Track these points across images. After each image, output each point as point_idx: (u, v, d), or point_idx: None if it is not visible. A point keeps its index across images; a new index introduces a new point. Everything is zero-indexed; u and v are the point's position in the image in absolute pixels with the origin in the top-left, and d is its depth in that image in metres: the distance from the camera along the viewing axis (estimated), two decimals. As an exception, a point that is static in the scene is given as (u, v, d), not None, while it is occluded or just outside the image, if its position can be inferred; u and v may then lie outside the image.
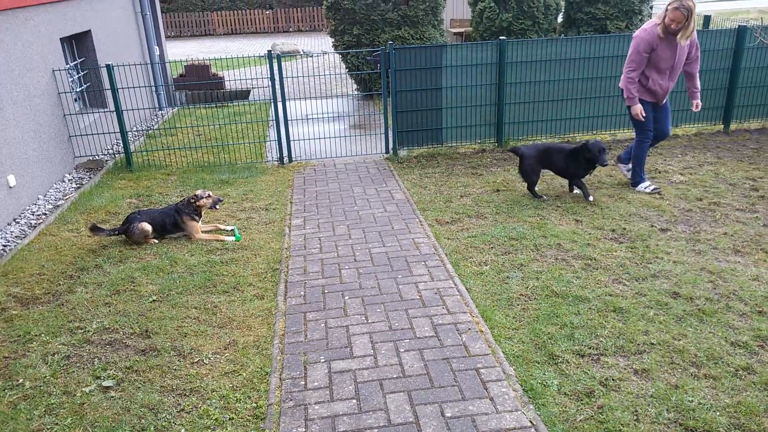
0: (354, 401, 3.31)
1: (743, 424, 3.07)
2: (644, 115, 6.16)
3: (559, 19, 12.57)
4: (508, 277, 4.64)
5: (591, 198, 6.14)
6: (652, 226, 5.52)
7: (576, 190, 6.43)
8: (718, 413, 3.14)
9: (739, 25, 8.29)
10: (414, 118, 7.87)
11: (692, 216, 5.75)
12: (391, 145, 8.02)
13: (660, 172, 7.02)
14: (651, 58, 6.01)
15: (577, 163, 6.13)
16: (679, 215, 5.77)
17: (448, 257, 4.97)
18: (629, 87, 6.11)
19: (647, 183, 6.51)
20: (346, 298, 4.38)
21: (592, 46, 7.97)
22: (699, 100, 6.40)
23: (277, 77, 7.52)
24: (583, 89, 8.15)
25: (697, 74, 6.36)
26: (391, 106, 7.77)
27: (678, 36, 5.88)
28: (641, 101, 6.18)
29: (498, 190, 6.53)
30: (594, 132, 8.44)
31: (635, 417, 3.14)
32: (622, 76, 6.25)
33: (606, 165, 5.99)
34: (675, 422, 3.10)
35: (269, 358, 3.76)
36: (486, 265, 4.83)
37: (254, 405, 3.36)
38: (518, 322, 4.03)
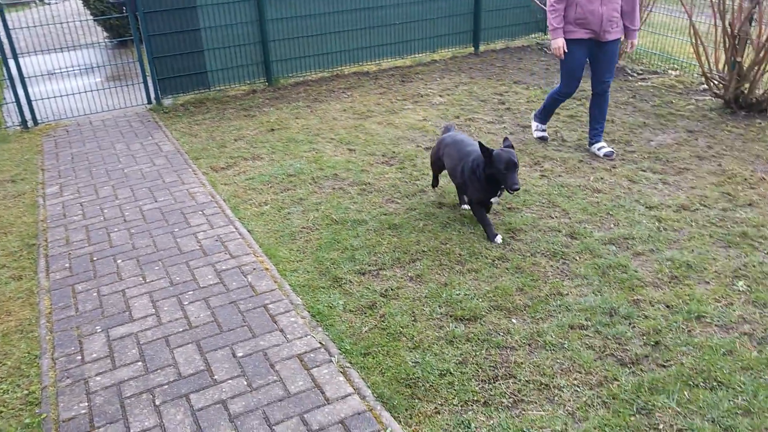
0: (139, 363, 3.14)
1: (500, 304, 3.50)
2: (566, 51, 5.20)
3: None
4: (289, 213, 4.67)
5: (498, 239, 4.15)
6: (418, 146, 5.90)
7: (465, 205, 4.61)
8: (480, 300, 3.54)
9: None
10: (174, 63, 7.37)
11: (451, 132, 6.25)
12: (153, 95, 7.47)
13: (422, 96, 7.48)
14: None
15: (475, 180, 4.11)
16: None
17: (226, 203, 4.84)
18: (549, 17, 5.15)
19: (537, 125, 6.00)
20: (119, 261, 4.07)
21: (346, -22, 8.06)
22: (635, 39, 5.41)
23: (2, 31, 6.50)
24: (346, 21, 8.26)
25: (637, 6, 5.27)
26: (146, 52, 7.19)
27: None
28: (575, 41, 5.18)
29: (272, 130, 6.46)
30: (360, 63, 8.67)
31: (413, 318, 3.41)
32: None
33: (517, 189, 3.92)
34: (446, 315, 3.43)
35: (36, 340, 3.40)
36: (266, 205, 4.80)
37: (26, 392, 3.03)
38: (302, 254, 4.10)
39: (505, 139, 4.15)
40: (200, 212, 4.69)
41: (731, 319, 3.33)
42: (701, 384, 2.87)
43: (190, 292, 3.70)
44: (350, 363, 3.09)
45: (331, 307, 3.53)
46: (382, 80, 8.19)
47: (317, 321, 3.42)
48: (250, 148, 5.97)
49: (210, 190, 5.08)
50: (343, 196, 4.89)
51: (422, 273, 3.83)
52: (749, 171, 5.16)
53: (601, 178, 5.07)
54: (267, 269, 3.91)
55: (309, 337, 3.28)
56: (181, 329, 3.38)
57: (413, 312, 3.47)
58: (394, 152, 5.76)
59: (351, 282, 3.76)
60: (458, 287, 3.67)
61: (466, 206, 4.56)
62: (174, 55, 7.32)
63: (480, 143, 4.00)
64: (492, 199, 4.20)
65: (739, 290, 3.57)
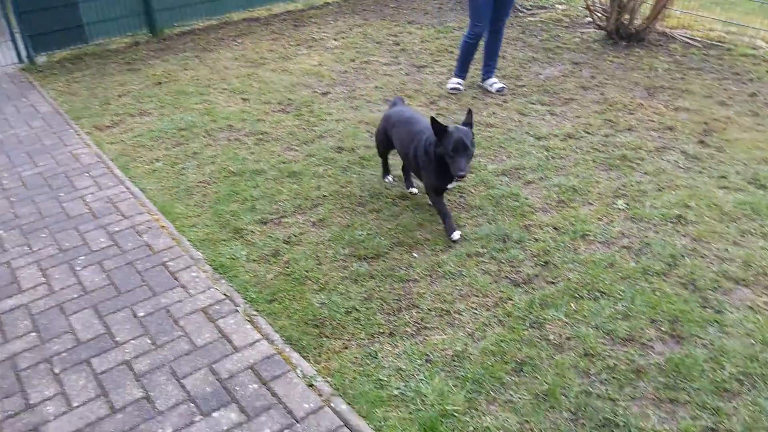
0: (33, 334, 3.00)
1: (402, 240, 3.60)
2: None
3: None
4: (183, 168, 4.52)
5: (456, 236, 3.59)
6: (314, 92, 5.82)
7: (413, 188, 4.09)
8: (382, 238, 3.62)
9: None
10: (45, 17, 6.79)
11: (348, 77, 6.19)
12: (24, 53, 6.88)
13: (316, 40, 7.33)
14: None
15: (428, 164, 3.53)
16: (336, 78, 6.16)
17: (114, 162, 4.61)
18: None
19: (454, 79, 5.79)
20: (1, 232, 3.82)
21: None
22: None
23: None
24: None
25: None
26: (11, 5, 6.58)
27: None
28: None
29: (160, 83, 6.16)
30: (250, 9, 8.35)
31: (317, 261, 3.45)
32: None
33: (462, 176, 3.31)
34: (350, 255, 3.49)
35: None
36: (158, 162, 4.62)
37: None
38: (200, 208, 4.01)
39: (469, 112, 3.51)
40: (86, 174, 4.45)
41: (612, 235, 3.59)
42: (586, 295, 3.10)
43: (81, 257, 3.54)
44: (257, 311, 3.10)
45: (233, 259, 3.49)
46: (273, 26, 7.94)
47: (220, 273, 3.38)
48: (137, 104, 5.68)
49: (96, 150, 4.81)
50: (240, 147, 4.78)
51: (324, 217, 3.84)
52: (629, 98, 5.47)
53: (494, 113, 5.23)
54: (164, 227, 3.80)
55: (212, 290, 3.24)
56: (75, 295, 3.25)
57: (317, 256, 3.50)
58: (290, 99, 5.66)
59: (253, 232, 3.73)
60: (361, 228, 3.72)
61: (414, 189, 4.06)
62: (44, 9, 6.74)
63: (432, 119, 3.34)
64: (449, 185, 3.61)
65: (619, 208, 3.84)
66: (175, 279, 3.34)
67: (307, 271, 3.36)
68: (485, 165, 4.38)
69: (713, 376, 2.60)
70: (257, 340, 2.90)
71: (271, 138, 4.92)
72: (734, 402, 2.48)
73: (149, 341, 2.92)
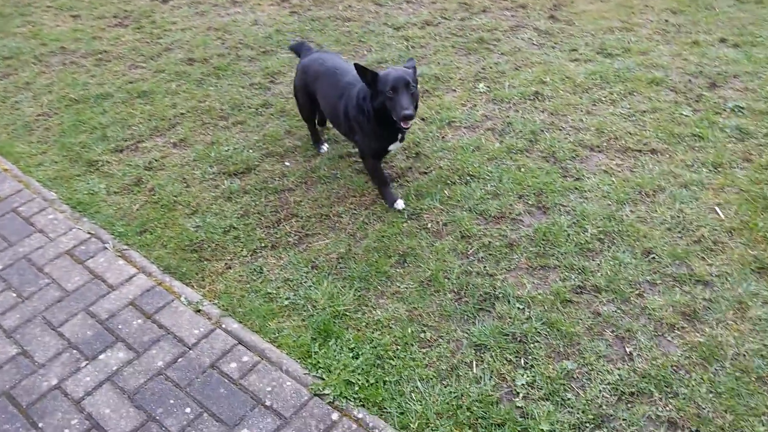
0: None
1: (272, 150, 3.49)
2: None
3: None
4: (16, 102, 4.03)
5: (400, 204, 3.06)
6: (153, 0, 5.31)
7: (324, 146, 3.51)
8: (251, 150, 3.49)
9: None
10: None
11: (188, -21, 5.68)
12: None
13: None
14: None
15: (364, 122, 2.91)
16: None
17: (-70, 103, 4.03)
18: None
19: None
20: None
21: None
22: None
23: None
24: None
25: None
26: None
27: None
28: None
29: (-32, 6, 5.35)
30: None
31: (185, 184, 3.28)
32: None
33: (408, 116, 2.66)
34: (219, 173, 3.35)
35: None
36: (-16, 97, 4.09)
37: None
38: (44, 144, 3.63)
39: (409, 59, 2.97)
40: None
41: (476, 119, 3.69)
42: (457, 181, 3.21)
43: None
44: (127, 245, 2.93)
45: (92, 194, 3.24)
46: None
47: (80, 211, 3.13)
48: (-56, 33, 4.92)
49: None
50: (78, 71, 4.32)
51: (185, 137, 3.63)
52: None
53: (350, 6, 5.05)
54: (6, 170, 3.42)
55: (75, 230, 3.01)
56: None
57: (184, 178, 3.32)
58: (126, 11, 5.13)
59: (108, 162, 3.45)
60: (226, 143, 3.56)
61: (325, 147, 3.47)
62: None
63: (357, 65, 2.74)
64: (391, 147, 3.00)
65: (480, 92, 3.93)
66: (31, 224, 3.06)
67: (175, 196, 3.20)
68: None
69: (577, 239, 2.82)
70: (133, 275, 2.76)
71: (112, 57, 4.48)
72: (597, 260, 2.73)
73: (14, 295, 2.70)
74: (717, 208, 2.94)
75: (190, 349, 2.44)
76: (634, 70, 4.05)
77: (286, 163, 3.40)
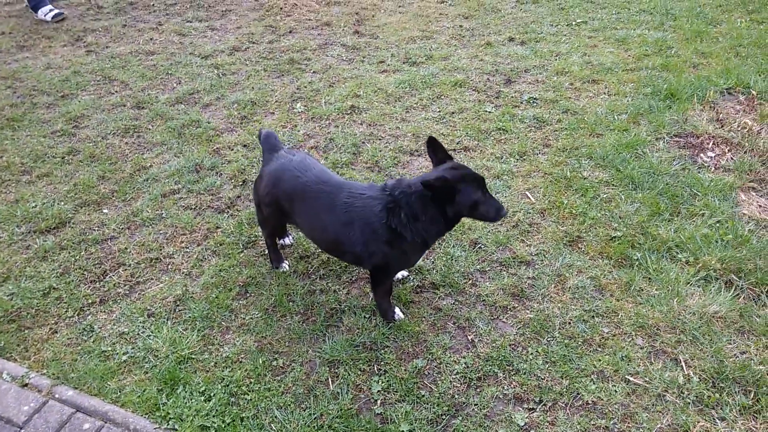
0: None
1: (86, 199, 3.25)
2: None
3: None
4: None
5: (399, 316, 2.57)
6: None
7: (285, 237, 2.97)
8: (62, 203, 3.22)
9: None
10: None
11: None
12: None
13: None
14: None
15: (400, 245, 2.33)
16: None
17: None
18: None
19: (49, 7, 5.29)
20: None
21: None
22: None
23: None
24: None
25: None
26: None
27: None
28: None
29: None
30: None
31: (-11, 251, 2.95)
32: None
33: (505, 215, 2.49)
34: (29, 232, 3.05)
35: None
36: None
37: None
38: None
39: (431, 140, 2.37)
40: None
41: (299, 138, 3.73)
42: (288, 202, 3.21)
43: None
44: (-75, 330, 2.56)
45: None
46: None
47: None
48: None
49: None
50: None
51: (-19, 198, 3.26)
52: (282, 0, 5.54)
53: (151, 39, 4.87)
54: None
55: None
56: None
57: (-15, 244, 2.99)
58: None
59: None
60: (32, 199, 3.25)
61: (288, 240, 2.94)
62: None
63: (438, 179, 2.18)
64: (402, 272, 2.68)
65: (298, 112, 3.98)
66: None
67: (-22, 266, 2.86)
68: (156, 96, 4.11)
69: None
70: (-63, 363, 2.43)
71: None
72: (431, 258, 2.88)
73: None
74: (528, 193, 3.24)
75: (21, 428, 2.20)
76: (438, 75, 4.33)
77: (104, 211, 3.19)
